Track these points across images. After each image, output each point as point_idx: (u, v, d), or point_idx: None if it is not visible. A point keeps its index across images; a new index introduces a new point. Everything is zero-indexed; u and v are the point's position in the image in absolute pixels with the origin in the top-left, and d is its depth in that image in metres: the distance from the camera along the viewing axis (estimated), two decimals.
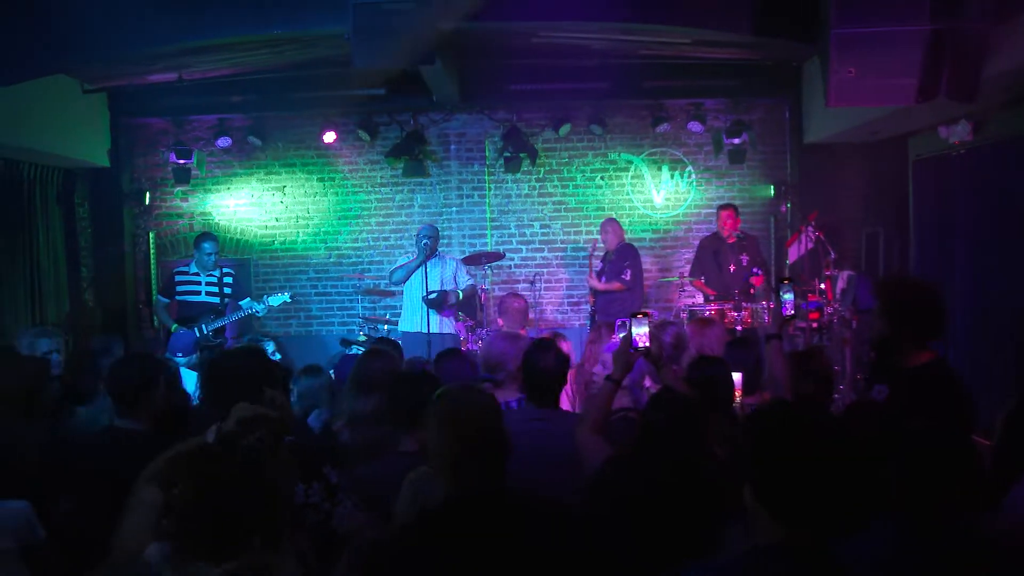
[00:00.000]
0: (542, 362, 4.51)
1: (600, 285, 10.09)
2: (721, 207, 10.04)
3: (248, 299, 9.20)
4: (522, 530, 2.82)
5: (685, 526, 3.26)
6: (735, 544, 2.88)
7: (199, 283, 9.15)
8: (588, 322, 10.42)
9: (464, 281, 9.35)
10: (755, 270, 9.47)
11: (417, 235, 9.26)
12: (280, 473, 3.00)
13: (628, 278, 9.92)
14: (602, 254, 10.38)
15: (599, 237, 10.38)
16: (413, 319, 9.18)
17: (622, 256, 10.04)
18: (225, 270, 9.33)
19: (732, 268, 9.66)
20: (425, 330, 8.78)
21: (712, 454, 3.68)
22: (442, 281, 9.17)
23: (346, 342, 9.66)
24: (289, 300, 9.33)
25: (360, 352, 9.00)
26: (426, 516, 2.89)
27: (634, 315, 4.17)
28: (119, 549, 2.84)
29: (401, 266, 9.25)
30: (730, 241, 9.79)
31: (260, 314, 9.38)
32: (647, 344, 4.15)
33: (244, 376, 3.59)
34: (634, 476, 3.49)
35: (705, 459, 3.55)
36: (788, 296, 4.75)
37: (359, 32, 6.75)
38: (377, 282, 11.16)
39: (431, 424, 2.98)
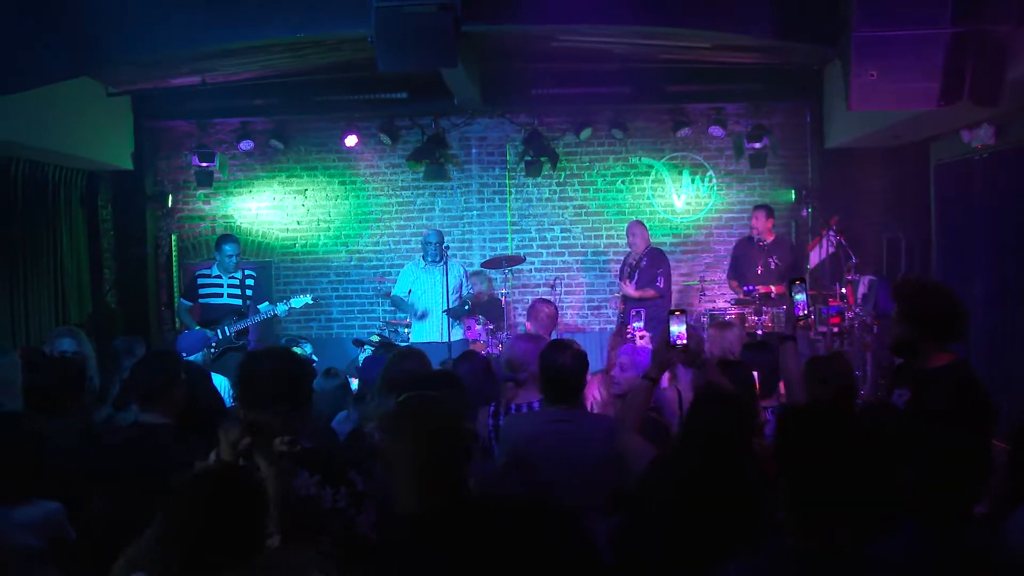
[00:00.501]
0: (560, 359, 4.46)
1: (635, 292, 9.82)
2: (754, 207, 10.06)
3: (266, 303, 9.22)
4: (491, 539, 2.75)
5: (732, 524, 3.24)
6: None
7: (221, 285, 9.16)
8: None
9: (468, 289, 9.44)
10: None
11: (427, 241, 9.34)
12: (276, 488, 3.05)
13: (662, 286, 9.78)
14: (634, 260, 10.10)
15: (628, 240, 10.18)
16: (423, 328, 9.22)
17: (655, 263, 9.88)
18: (247, 272, 9.34)
19: (760, 271, 9.58)
20: (437, 339, 8.82)
21: (754, 451, 3.64)
22: (457, 287, 9.27)
23: (359, 343, 9.69)
24: (311, 302, 9.36)
25: (371, 351, 9.09)
26: (394, 531, 2.86)
27: (671, 312, 4.15)
28: None
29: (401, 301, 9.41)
30: (760, 243, 9.74)
31: (282, 316, 9.41)
32: (684, 341, 4.12)
33: (276, 376, 3.58)
34: (682, 475, 3.45)
35: (750, 456, 3.53)
36: (800, 296, 4.72)
37: (382, 35, 6.78)
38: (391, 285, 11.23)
39: (390, 436, 2.92)
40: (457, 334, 9.11)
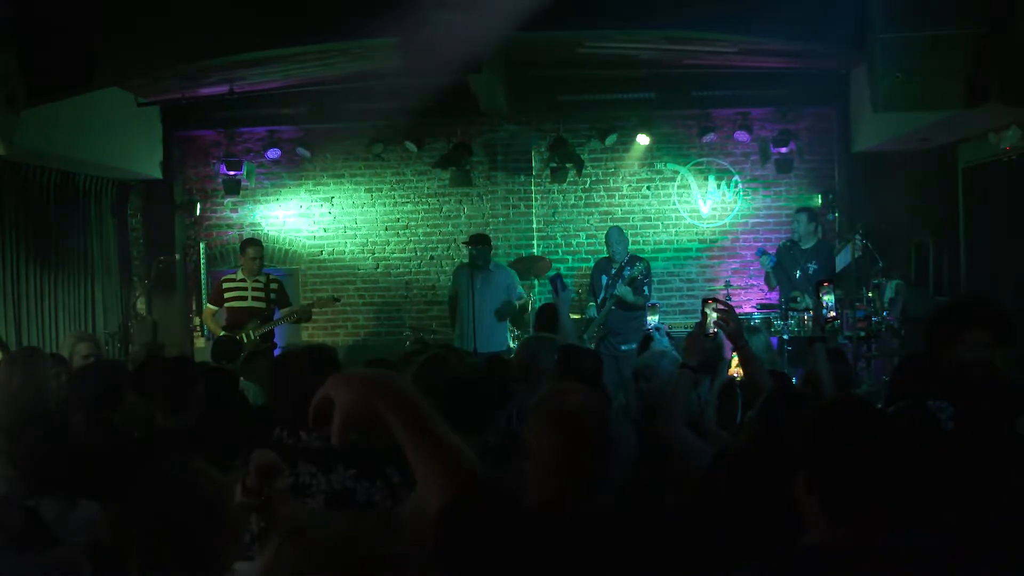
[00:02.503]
0: (575, 359, 4.69)
1: (631, 297, 9.25)
2: (795, 210, 10.10)
3: (288, 308, 9.30)
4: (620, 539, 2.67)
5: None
6: None
7: (245, 288, 9.24)
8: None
9: (519, 293, 9.52)
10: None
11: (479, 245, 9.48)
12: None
13: (649, 294, 9.45)
14: (615, 268, 9.55)
15: (610, 249, 9.71)
16: (462, 334, 9.32)
17: (645, 271, 9.45)
18: (272, 276, 9.43)
19: (799, 274, 9.54)
20: (470, 347, 8.88)
21: None
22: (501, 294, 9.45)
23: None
24: (337, 300, 9.43)
25: None
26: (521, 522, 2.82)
27: (705, 300, 4.24)
28: None
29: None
30: (802, 247, 9.70)
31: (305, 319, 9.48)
32: (716, 330, 4.20)
33: (311, 375, 3.60)
34: (755, 472, 3.42)
35: None
36: (828, 298, 4.74)
37: (407, 42, 6.83)
38: (425, 291, 11.30)
39: (536, 423, 2.85)
40: (498, 343, 9.29)
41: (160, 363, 4.75)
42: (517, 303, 9.59)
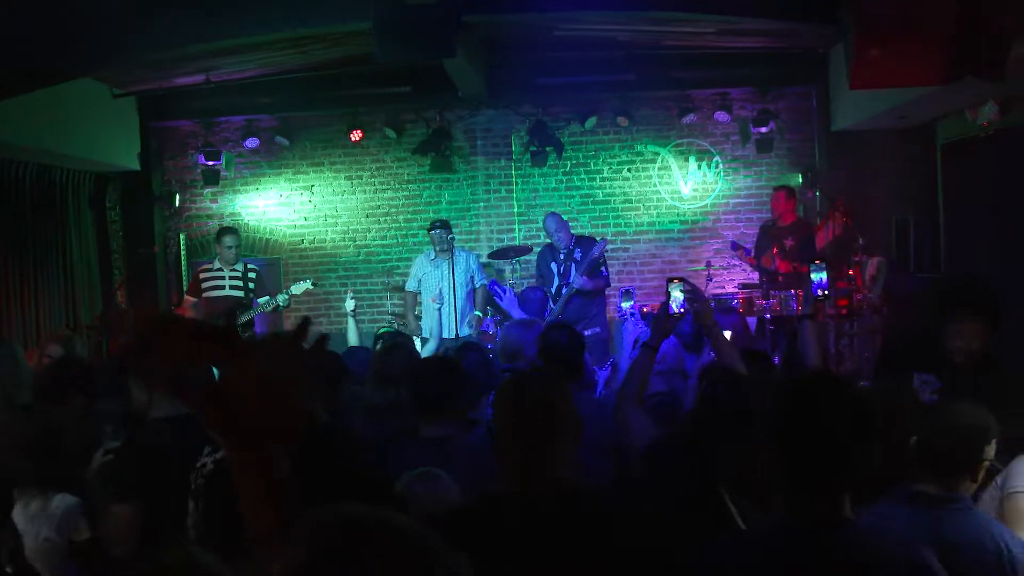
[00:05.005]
0: (556, 337, 4.65)
1: (590, 285, 9.01)
2: (773, 188, 10.12)
3: (265, 297, 9.18)
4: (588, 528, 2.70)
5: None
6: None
7: (223, 278, 9.20)
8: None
9: (480, 280, 9.48)
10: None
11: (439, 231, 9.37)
12: None
13: (607, 274, 9.28)
14: (563, 253, 9.25)
15: (553, 237, 9.35)
16: (434, 321, 9.29)
17: (600, 251, 9.06)
18: (250, 265, 9.39)
19: (775, 251, 9.51)
20: (448, 333, 8.94)
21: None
22: (467, 280, 9.38)
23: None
24: (312, 287, 9.35)
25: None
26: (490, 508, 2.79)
27: (670, 280, 4.16)
28: None
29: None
30: (780, 224, 9.71)
31: (284, 305, 9.38)
32: (683, 309, 4.13)
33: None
34: (693, 456, 3.41)
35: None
36: (818, 276, 4.71)
37: (381, 26, 6.79)
38: (406, 278, 11.23)
39: (500, 412, 2.91)
40: (464, 330, 9.20)
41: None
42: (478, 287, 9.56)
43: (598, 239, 9.23)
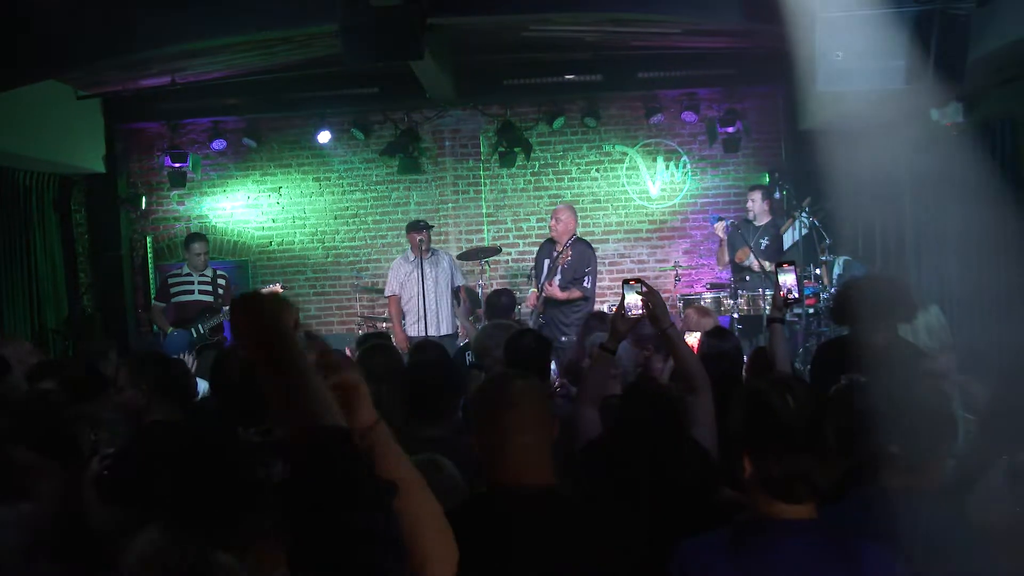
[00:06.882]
0: (521, 341, 4.76)
1: (561, 295, 8.89)
2: (748, 188, 10.13)
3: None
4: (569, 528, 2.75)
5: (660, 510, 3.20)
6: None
7: (192, 283, 9.21)
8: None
9: (460, 280, 9.51)
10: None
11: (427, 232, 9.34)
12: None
13: (589, 286, 9.00)
14: (555, 252, 9.17)
15: (551, 224, 9.31)
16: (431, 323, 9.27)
17: (583, 260, 9.00)
18: (219, 272, 9.38)
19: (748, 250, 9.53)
20: (434, 333, 8.89)
21: (693, 440, 3.56)
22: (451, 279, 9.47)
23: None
24: (280, 289, 9.33)
25: None
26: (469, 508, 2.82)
27: (626, 282, 4.10)
28: None
29: None
30: (756, 224, 9.75)
31: None
32: (640, 311, 4.08)
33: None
34: (610, 463, 3.43)
35: (683, 448, 3.42)
36: (786, 278, 4.73)
37: (348, 28, 6.76)
38: (375, 280, 11.19)
39: (480, 410, 2.95)
40: (446, 328, 9.28)
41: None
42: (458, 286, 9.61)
43: (597, 252, 9.36)
